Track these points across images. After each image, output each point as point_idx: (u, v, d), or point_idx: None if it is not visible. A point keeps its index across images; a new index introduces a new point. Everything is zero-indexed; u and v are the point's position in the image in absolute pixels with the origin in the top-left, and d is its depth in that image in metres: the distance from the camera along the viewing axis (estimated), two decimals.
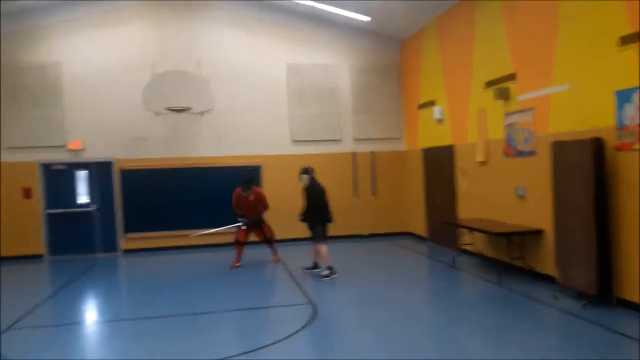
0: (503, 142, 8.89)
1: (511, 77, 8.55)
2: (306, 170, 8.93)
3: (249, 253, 10.61)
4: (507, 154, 8.79)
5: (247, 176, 10.24)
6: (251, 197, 9.80)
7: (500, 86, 8.80)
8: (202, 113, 12.07)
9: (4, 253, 11.44)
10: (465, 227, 9.03)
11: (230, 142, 12.53)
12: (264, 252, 10.81)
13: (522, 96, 8.30)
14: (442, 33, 11.19)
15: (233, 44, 12.58)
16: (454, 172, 10.76)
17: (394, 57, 13.42)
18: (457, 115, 10.67)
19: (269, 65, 12.73)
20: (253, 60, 12.65)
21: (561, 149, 6.93)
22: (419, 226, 12.69)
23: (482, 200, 9.64)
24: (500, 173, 9.06)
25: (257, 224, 10.09)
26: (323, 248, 8.90)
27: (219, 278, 9.21)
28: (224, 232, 10.98)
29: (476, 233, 9.31)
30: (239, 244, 10.00)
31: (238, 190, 9.82)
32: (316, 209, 8.82)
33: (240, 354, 5.30)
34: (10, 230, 11.53)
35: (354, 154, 13.17)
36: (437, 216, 11.63)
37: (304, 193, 8.96)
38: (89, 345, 6.11)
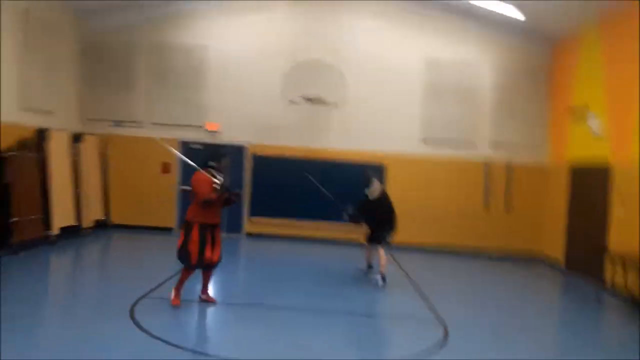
0: None
1: None
2: (379, 180, 8.74)
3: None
4: None
5: (212, 150, 7.20)
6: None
7: None
8: (335, 104, 11.98)
9: (139, 222, 12.13)
10: (627, 262, 7.89)
11: (358, 135, 12.24)
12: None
13: None
14: (606, 32, 9.93)
15: (373, 34, 12.28)
16: (608, 197, 9.49)
17: (544, 57, 12.27)
18: (618, 127, 9.34)
19: (406, 58, 12.27)
20: (391, 53, 12.26)
21: None
22: (556, 252, 11.46)
23: None
24: None
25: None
26: (384, 255, 8.41)
27: (339, 275, 8.98)
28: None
29: (631, 271, 8.14)
30: (190, 267, 6.36)
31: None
32: (392, 217, 8.49)
33: None
34: (146, 201, 12.19)
35: (487, 163, 12.25)
36: (580, 244, 10.44)
37: (373, 204, 8.47)
38: (206, 326, 6.18)
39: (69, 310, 6.27)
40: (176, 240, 6.40)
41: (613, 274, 8.80)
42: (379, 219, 8.49)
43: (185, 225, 6.32)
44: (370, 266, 8.97)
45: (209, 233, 6.25)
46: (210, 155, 6.56)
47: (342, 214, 8.90)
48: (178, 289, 6.38)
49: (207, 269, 6.47)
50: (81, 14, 11.81)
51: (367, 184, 8.52)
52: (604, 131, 9.86)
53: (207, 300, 6.63)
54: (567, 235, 11.07)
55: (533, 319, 7.47)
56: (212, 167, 6.38)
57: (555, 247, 11.52)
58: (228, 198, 6.40)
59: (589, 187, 10.26)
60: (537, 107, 12.31)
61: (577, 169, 10.84)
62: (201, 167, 6.34)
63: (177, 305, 6.31)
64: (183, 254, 6.26)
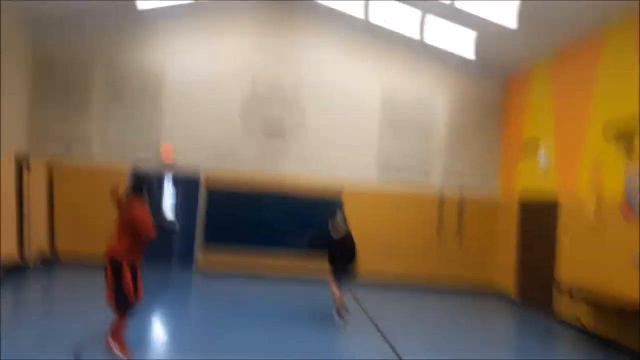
0: (622, 201, 7.86)
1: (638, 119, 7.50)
2: (343, 219, 8.60)
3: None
4: (626, 216, 7.80)
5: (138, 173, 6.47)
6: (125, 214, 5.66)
7: (624, 130, 7.77)
8: (293, 131, 12.16)
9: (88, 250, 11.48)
10: (575, 294, 8.05)
11: (316, 162, 12.29)
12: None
13: None
14: (556, 68, 10.38)
15: (333, 64, 12.47)
16: (556, 231, 9.72)
17: (497, 92, 12.70)
18: (566, 162, 9.70)
19: (364, 90, 12.51)
20: (349, 83, 12.47)
21: None
22: (507, 284, 11.64)
23: (590, 265, 8.57)
24: (614, 237, 8.01)
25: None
26: (337, 291, 8.30)
27: (292, 314, 8.75)
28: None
29: (580, 302, 8.32)
30: (129, 310, 5.60)
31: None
32: (353, 257, 8.41)
33: None
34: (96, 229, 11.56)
35: (440, 197, 12.45)
36: (530, 276, 10.66)
37: (336, 243, 8.36)
38: None
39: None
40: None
41: (563, 305, 8.96)
42: (339, 257, 8.36)
43: (112, 265, 5.43)
44: (345, 308, 8.47)
45: (136, 269, 5.56)
46: (141, 180, 5.79)
47: (301, 241, 8.71)
48: (121, 339, 5.50)
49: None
50: (35, 30, 11.29)
51: (335, 230, 8.38)
52: (552, 165, 10.20)
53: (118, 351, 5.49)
54: (518, 267, 11.28)
55: (487, 352, 7.49)
56: (142, 194, 5.67)
57: (506, 279, 11.71)
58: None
59: (538, 221, 10.52)
60: (490, 141, 12.69)
61: (527, 204, 11.13)
62: (133, 194, 5.64)
63: (129, 356, 5.46)
64: (120, 299, 5.43)
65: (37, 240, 10.82)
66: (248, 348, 6.57)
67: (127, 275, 5.42)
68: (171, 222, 5.80)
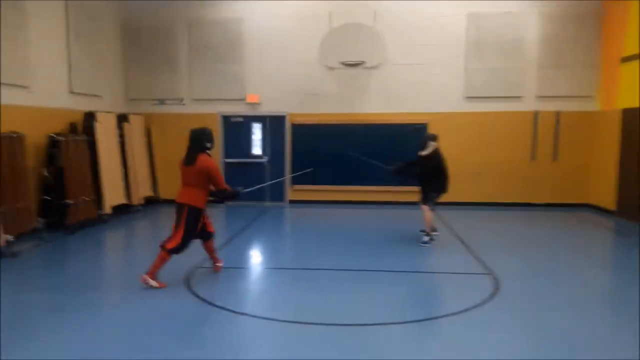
0: None
1: None
2: (434, 137, 8.36)
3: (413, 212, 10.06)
4: None
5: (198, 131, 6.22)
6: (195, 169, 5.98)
7: None
8: (374, 67, 11.80)
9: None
10: None
11: (400, 98, 12.03)
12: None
13: None
14: None
15: None
16: None
17: (593, 2, 11.56)
18: None
19: (447, 15, 11.79)
20: (431, 10, 11.83)
21: None
22: (606, 198, 11.10)
23: None
24: None
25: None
26: (430, 214, 8.26)
27: (382, 235, 8.97)
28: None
29: None
30: (177, 250, 6.00)
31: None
32: (441, 177, 8.22)
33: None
34: None
35: (536, 113, 11.86)
36: (633, 189, 10.05)
37: (425, 160, 8.17)
38: (261, 290, 6.31)
39: (127, 283, 6.46)
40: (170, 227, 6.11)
41: None
42: (429, 177, 8.28)
43: (189, 212, 5.91)
44: (434, 229, 8.51)
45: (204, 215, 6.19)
46: (205, 136, 6.04)
47: (388, 169, 8.74)
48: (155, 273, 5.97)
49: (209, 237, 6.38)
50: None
51: (424, 146, 8.25)
52: None
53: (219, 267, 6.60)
54: (618, 180, 10.68)
55: (584, 262, 7.38)
56: (208, 149, 6.05)
57: (606, 193, 11.14)
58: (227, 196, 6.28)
59: None
60: (587, 56, 11.69)
61: (630, 111, 10.33)
62: (198, 151, 5.95)
63: (164, 286, 5.94)
64: (180, 244, 5.92)
65: (142, 185, 11.74)
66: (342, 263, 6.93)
67: (204, 220, 6.10)
68: (237, 189, 6.27)
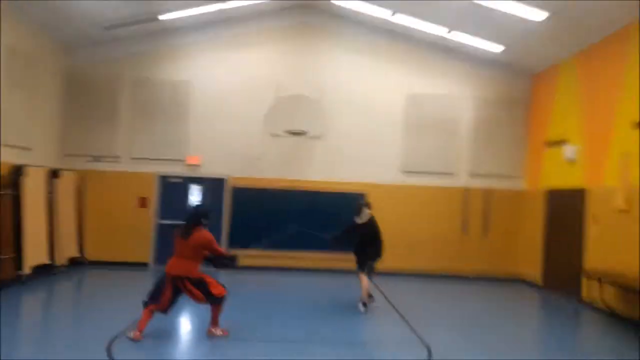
0: None
1: None
2: (368, 205, 8.64)
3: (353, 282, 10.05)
4: None
5: (198, 209, 7.25)
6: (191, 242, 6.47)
7: None
8: (317, 137, 12.08)
9: (115, 258, 11.84)
10: (603, 278, 8.06)
11: (341, 168, 12.36)
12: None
13: None
14: (583, 68, 10.35)
15: (355, 69, 12.51)
16: (583, 218, 9.71)
17: (523, 90, 12.63)
18: (593, 156, 9.75)
19: (388, 93, 12.49)
20: (372, 88, 12.47)
21: None
22: (533, 272, 11.60)
23: (617, 251, 8.56)
24: None
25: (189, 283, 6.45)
26: (367, 281, 8.38)
27: (320, 305, 8.83)
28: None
29: (607, 286, 8.30)
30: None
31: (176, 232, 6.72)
32: (378, 243, 8.43)
33: None
34: (122, 237, 11.92)
35: (466, 189, 12.44)
36: (557, 263, 10.60)
37: (360, 227, 8.41)
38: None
39: (42, 349, 5.97)
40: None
41: (590, 290, 8.96)
42: (364, 244, 8.39)
43: (191, 282, 6.46)
44: (370, 295, 8.56)
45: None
46: (201, 213, 6.77)
47: (326, 236, 8.77)
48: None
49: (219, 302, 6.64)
50: (66, 48, 11.82)
51: (358, 212, 8.43)
52: (578, 158, 10.16)
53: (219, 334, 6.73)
54: (544, 255, 11.21)
55: (515, 334, 7.58)
56: (204, 225, 6.64)
57: (532, 267, 11.66)
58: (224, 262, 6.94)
59: (566, 210, 10.46)
60: (516, 139, 12.58)
61: (553, 192, 11.06)
62: (195, 225, 6.55)
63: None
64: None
65: (68, 245, 11.11)
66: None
67: (212, 282, 6.56)
68: (233, 256, 7.22)
